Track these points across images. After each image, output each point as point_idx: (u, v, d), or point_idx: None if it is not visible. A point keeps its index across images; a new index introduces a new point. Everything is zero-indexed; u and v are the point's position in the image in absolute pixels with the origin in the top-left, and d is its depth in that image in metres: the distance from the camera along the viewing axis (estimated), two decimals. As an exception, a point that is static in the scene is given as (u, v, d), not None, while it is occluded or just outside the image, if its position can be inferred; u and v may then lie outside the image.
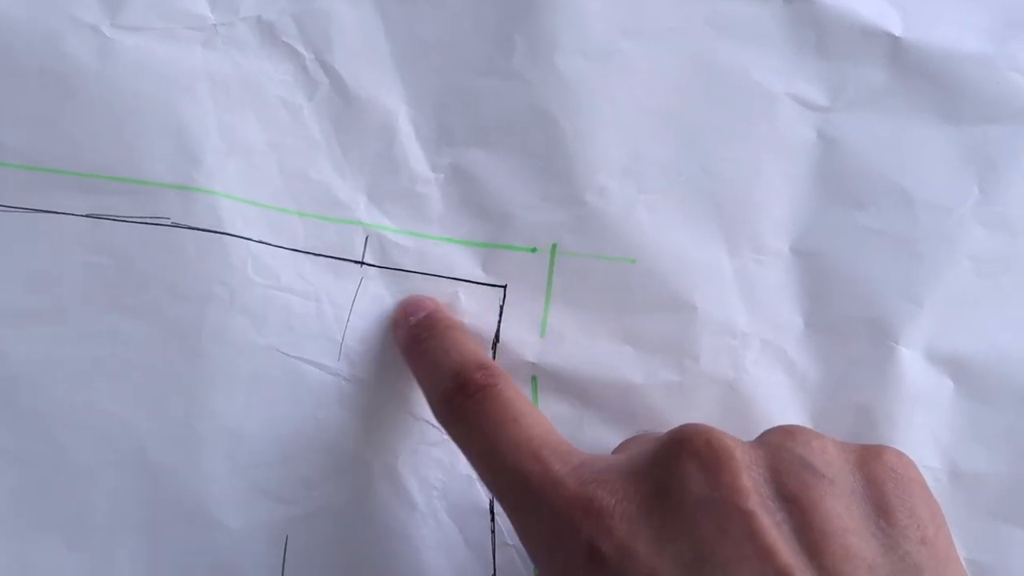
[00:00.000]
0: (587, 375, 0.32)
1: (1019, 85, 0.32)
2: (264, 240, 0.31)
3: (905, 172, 0.32)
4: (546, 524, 0.25)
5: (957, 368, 0.32)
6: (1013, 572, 0.33)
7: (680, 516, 0.23)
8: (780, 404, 0.32)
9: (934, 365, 0.32)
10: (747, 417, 0.32)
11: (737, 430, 0.26)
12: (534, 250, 0.32)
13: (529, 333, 0.32)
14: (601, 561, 0.23)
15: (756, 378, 0.32)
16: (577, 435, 0.32)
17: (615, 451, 0.30)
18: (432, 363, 0.30)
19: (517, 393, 0.28)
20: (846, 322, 0.32)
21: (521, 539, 0.26)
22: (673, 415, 0.33)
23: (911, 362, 0.32)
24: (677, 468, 0.24)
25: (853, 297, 0.32)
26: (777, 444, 0.25)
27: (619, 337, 0.33)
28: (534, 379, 0.33)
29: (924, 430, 0.32)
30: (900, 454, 0.25)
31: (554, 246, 0.32)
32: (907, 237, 0.32)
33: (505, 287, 0.32)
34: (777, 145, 0.32)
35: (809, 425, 0.32)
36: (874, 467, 0.25)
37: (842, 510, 0.23)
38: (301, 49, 0.31)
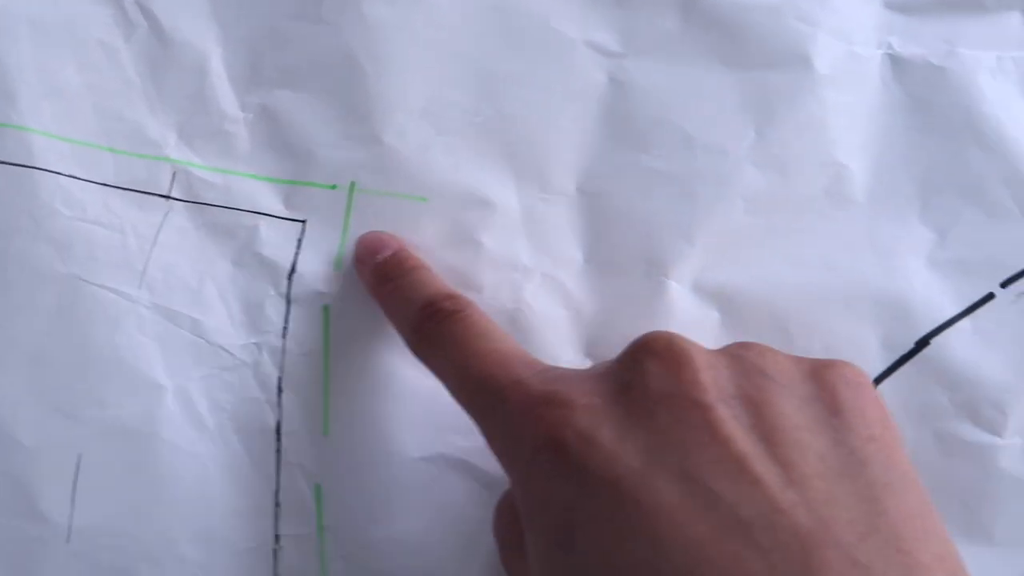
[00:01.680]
0: (375, 304, 0.33)
1: (801, 33, 0.33)
2: (74, 175, 0.34)
3: (688, 115, 0.33)
4: (510, 421, 0.26)
5: (723, 300, 0.33)
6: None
7: (642, 408, 0.24)
8: (556, 334, 0.33)
9: (702, 298, 0.32)
10: (526, 345, 0.32)
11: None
12: (334, 187, 0.34)
13: (324, 265, 0.34)
14: (563, 449, 0.24)
15: (534, 309, 0.33)
16: (368, 361, 0.33)
17: None
18: (403, 299, 0.31)
19: (483, 316, 0.30)
20: (622, 258, 0.33)
21: (488, 443, 0.27)
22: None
23: (680, 295, 0.32)
24: (639, 367, 0.25)
25: (631, 235, 0.33)
26: (733, 353, 0.26)
27: (407, 270, 0.33)
28: (326, 308, 0.34)
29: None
30: (851, 365, 0.26)
31: (352, 184, 0.34)
32: (685, 177, 0.32)
33: (304, 222, 0.34)
34: (570, 90, 0.33)
35: (582, 354, 0.32)
36: (825, 374, 0.25)
37: (793, 410, 0.24)
38: (121, -9, 0.34)
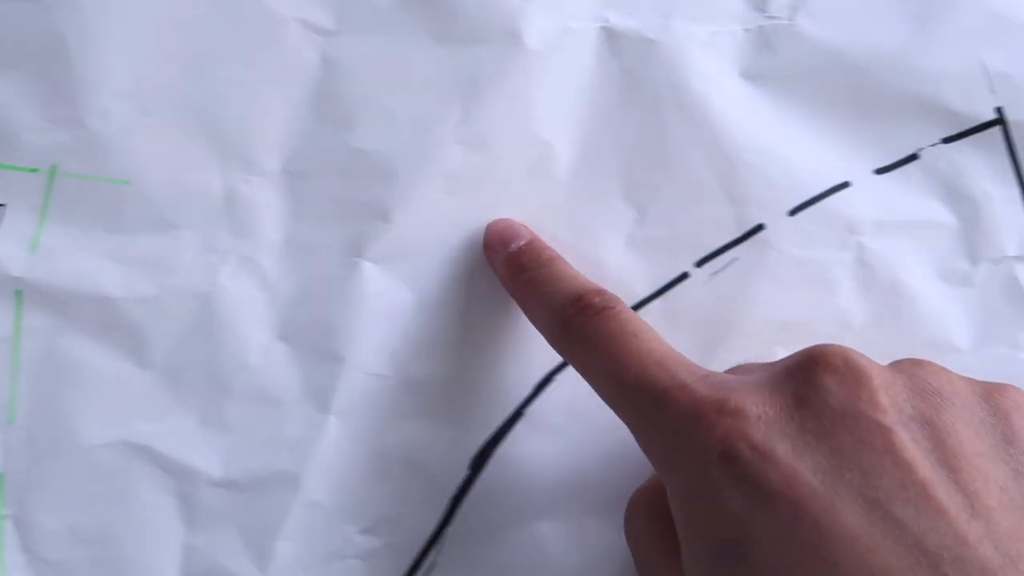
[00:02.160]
0: (71, 289, 0.32)
1: (512, 6, 0.33)
2: None
3: (396, 93, 0.32)
4: (675, 428, 0.25)
5: (418, 281, 0.32)
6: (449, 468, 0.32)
7: (819, 426, 0.23)
8: (250, 316, 0.32)
9: (396, 279, 0.32)
10: (219, 329, 0.31)
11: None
12: (35, 171, 0.33)
13: (21, 250, 0.33)
14: (736, 460, 0.23)
15: (229, 292, 0.32)
16: (58, 349, 0.32)
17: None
18: (544, 291, 0.30)
19: (634, 314, 0.29)
20: (321, 239, 0.32)
21: (645, 449, 0.26)
22: (148, 328, 0.32)
23: (374, 276, 0.32)
24: (815, 382, 0.24)
25: (329, 215, 0.32)
26: (907, 371, 0.25)
27: (107, 255, 0.33)
28: (18, 294, 0.32)
29: (379, 341, 0.31)
30: (1020, 390, 0.25)
31: (53, 167, 0.33)
32: (388, 156, 0.32)
33: (4, 206, 0.33)
34: (281, 69, 0.33)
35: (275, 336, 0.32)
36: (999, 400, 0.25)
37: (973, 435, 0.24)
38: None
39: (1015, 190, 0.34)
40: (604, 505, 0.31)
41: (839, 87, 0.33)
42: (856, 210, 0.33)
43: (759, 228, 0.33)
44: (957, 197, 0.33)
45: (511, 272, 0.31)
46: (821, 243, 0.33)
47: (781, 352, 0.32)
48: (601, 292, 0.29)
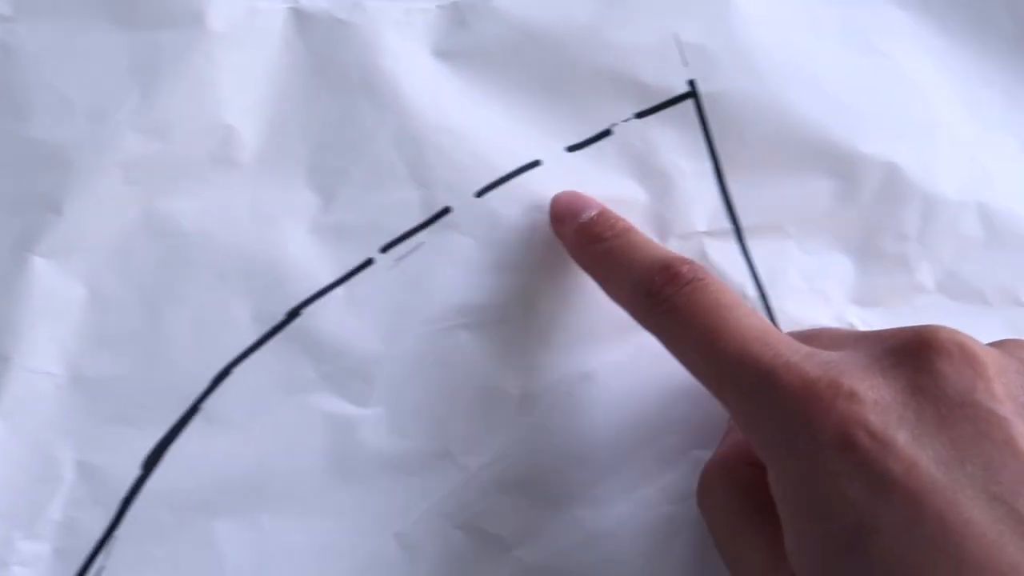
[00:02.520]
0: None
1: None
2: None
3: (72, 80, 0.31)
4: (784, 408, 0.24)
5: (91, 276, 0.31)
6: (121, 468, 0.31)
7: (937, 415, 0.23)
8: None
9: (67, 274, 0.30)
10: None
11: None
12: None
13: None
14: (853, 447, 0.23)
15: None
16: None
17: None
18: (622, 261, 0.29)
19: (725, 285, 0.27)
20: None
21: (747, 429, 0.25)
22: None
23: (45, 271, 0.30)
24: (930, 368, 0.24)
25: (1, 209, 0.30)
26: (1017, 355, 0.24)
27: None
28: None
29: (49, 338, 0.30)
30: None
31: None
32: (62, 146, 0.31)
33: None
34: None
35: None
36: None
37: None
38: None
39: (707, 164, 0.33)
40: (283, 501, 0.31)
41: (533, 64, 0.33)
42: (546, 189, 0.33)
43: (445, 211, 0.32)
44: (649, 173, 0.33)
45: (583, 244, 0.30)
46: (508, 224, 0.32)
47: (465, 336, 0.31)
48: (688, 261, 0.28)
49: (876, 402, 0.23)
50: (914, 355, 0.24)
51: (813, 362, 0.24)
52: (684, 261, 0.28)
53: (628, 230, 0.30)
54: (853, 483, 0.23)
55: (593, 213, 0.31)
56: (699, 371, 0.27)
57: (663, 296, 0.27)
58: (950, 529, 0.21)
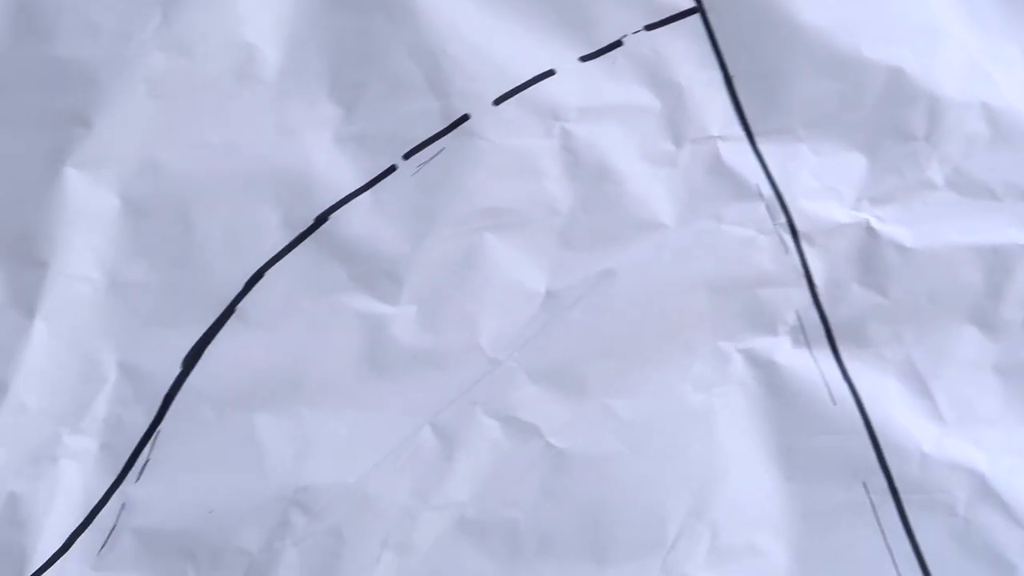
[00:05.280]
0: None
1: None
2: None
3: (96, 3, 0.32)
4: None
5: (121, 186, 0.32)
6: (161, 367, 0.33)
7: None
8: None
9: (100, 184, 0.32)
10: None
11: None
12: None
13: None
14: None
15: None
16: None
17: None
18: None
19: None
20: (22, 148, 0.33)
21: None
22: None
23: (77, 182, 0.32)
24: None
25: (33, 125, 0.33)
26: None
27: None
28: None
29: (85, 246, 0.32)
30: None
31: None
32: (89, 65, 0.32)
33: None
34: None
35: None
36: None
37: None
38: None
39: (717, 73, 0.35)
40: (320, 394, 0.32)
41: (545, -24, 0.34)
42: (561, 97, 0.34)
43: (464, 119, 0.33)
44: (661, 81, 0.34)
45: None
46: (526, 131, 0.34)
47: (489, 237, 0.32)
48: None
49: None
50: None
51: None
52: None
53: None
54: None
55: None
56: None
57: None
58: None
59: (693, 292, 0.33)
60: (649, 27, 0.34)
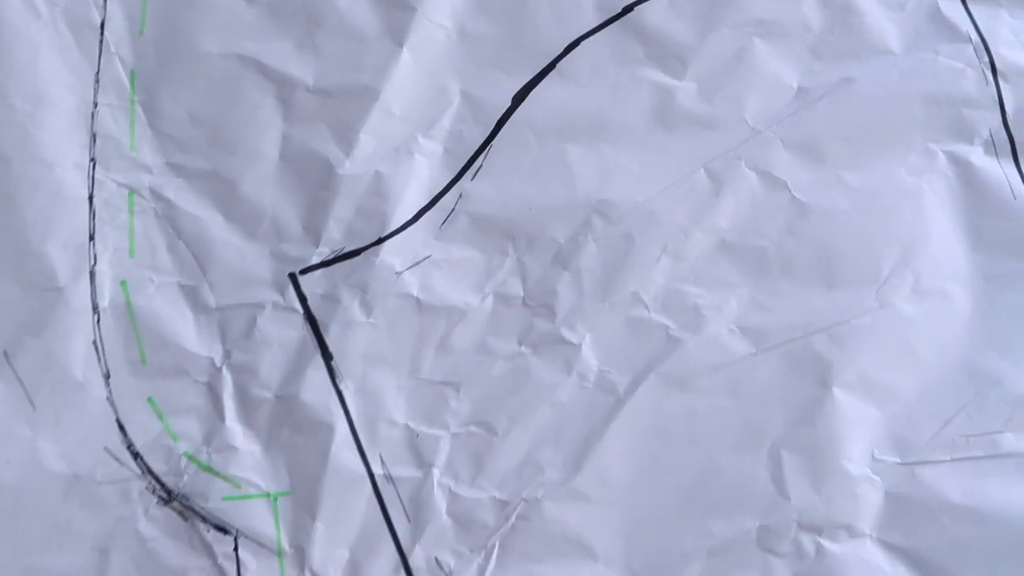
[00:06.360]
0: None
1: None
2: None
3: None
4: None
5: None
6: (496, 100, 0.41)
7: None
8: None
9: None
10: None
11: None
12: None
13: None
14: None
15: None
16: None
17: None
18: None
19: None
20: None
21: None
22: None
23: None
24: None
25: None
26: None
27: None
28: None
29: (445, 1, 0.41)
30: None
31: None
32: None
33: None
34: None
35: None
36: None
37: None
38: None
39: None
40: (619, 137, 0.41)
41: None
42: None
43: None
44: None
45: None
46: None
47: (758, 43, 0.42)
48: None
49: None
50: None
51: None
52: None
53: None
54: None
55: None
56: None
57: None
58: None
59: (913, 103, 0.42)
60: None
